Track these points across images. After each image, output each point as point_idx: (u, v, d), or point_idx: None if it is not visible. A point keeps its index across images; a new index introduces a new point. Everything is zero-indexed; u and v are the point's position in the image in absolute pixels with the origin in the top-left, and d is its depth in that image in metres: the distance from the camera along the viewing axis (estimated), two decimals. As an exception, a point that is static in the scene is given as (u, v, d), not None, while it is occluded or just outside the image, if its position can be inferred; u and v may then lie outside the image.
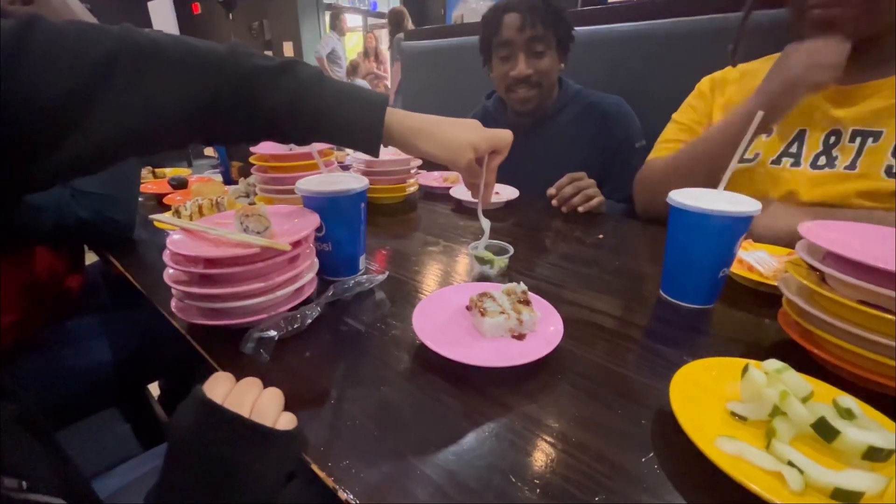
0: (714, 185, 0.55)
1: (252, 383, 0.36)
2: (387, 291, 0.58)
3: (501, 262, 0.62)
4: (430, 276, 0.64)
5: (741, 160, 0.77)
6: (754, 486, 0.28)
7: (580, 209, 0.89)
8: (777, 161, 0.76)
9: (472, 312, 0.48)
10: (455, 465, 0.33)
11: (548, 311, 0.49)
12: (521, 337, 0.45)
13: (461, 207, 0.96)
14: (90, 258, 0.88)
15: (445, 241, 0.77)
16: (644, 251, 0.77)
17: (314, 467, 0.32)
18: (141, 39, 0.38)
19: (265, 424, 0.32)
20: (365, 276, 0.58)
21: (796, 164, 0.74)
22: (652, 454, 0.34)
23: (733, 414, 0.35)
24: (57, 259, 0.77)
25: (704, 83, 0.88)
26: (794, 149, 0.75)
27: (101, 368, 0.75)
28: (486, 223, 0.62)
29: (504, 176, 1.09)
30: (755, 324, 0.53)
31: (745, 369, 0.36)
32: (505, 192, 0.97)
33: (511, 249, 0.63)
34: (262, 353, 0.44)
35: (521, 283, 0.51)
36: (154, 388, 0.99)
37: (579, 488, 0.31)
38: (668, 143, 0.89)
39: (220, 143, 0.49)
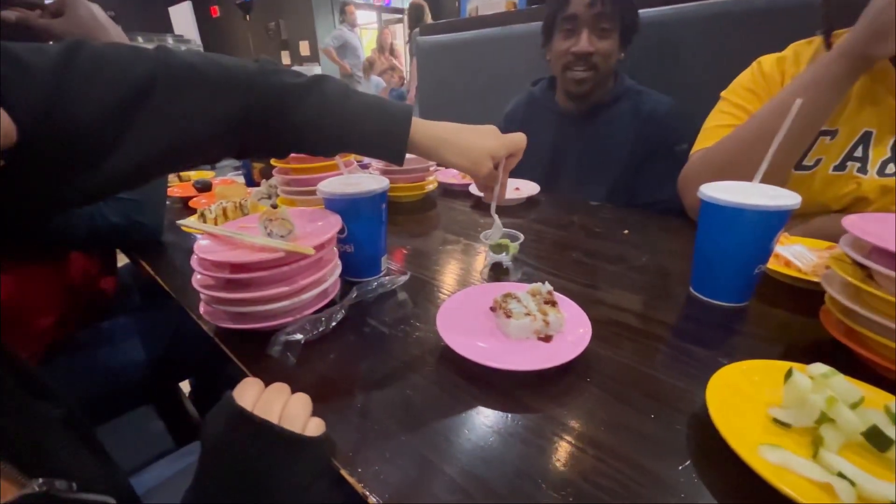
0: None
1: (280, 389, 0.36)
2: (409, 292, 0.58)
3: (514, 248, 0.64)
4: (452, 276, 0.63)
5: (798, 167, 0.70)
6: (803, 499, 0.26)
7: None
8: (841, 166, 0.68)
9: (497, 314, 0.47)
10: (482, 470, 0.32)
11: (575, 312, 0.48)
12: (547, 339, 0.44)
13: (481, 204, 0.95)
14: (122, 260, 0.91)
15: (466, 238, 0.76)
16: (672, 247, 0.75)
17: (344, 473, 0.32)
18: (175, 61, 0.39)
19: (294, 431, 0.32)
20: (387, 278, 0.58)
21: (863, 170, 0.67)
22: (689, 462, 0.32)
23: (776, 421, 0.33)
24: (90, 262, 0.79)
25: (767, 62, 0.75)
26: (859, 152, 0.67)
27: (135, 367, 0.78)
28: (497, 220, 0.63)
29: (544, 166, 1.09)
30: (793, 323, 0.50)
31: (789, 374, 0.34)
32: (525, 188, 0.96)
33: (521, 236, 0.68)
34: (289, 356, 0.44)
35: (547, 283, 0.50)
36: (185, 386, 1.02)
37: (612, 496, 0.30)
38: (714, 132, 0.80)
39: (251, 157, 0.51)
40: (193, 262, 0.46)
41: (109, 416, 0.74)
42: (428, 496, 0.31)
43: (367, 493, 0.31)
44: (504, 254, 0.64)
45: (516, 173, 1.02)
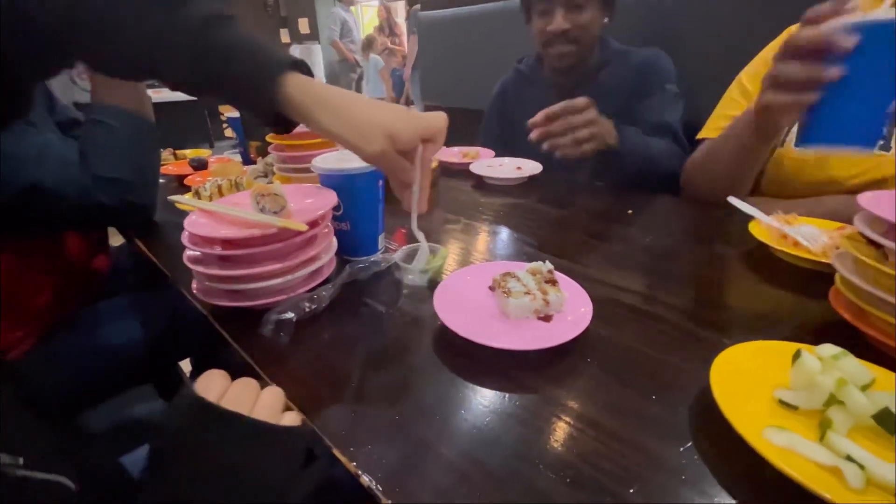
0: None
1: (248, 384, 0.34)
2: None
3: (439, 262, 0.52)
4: (451, 255, 0.62)
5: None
6: (809, 482, 0.25)
7: (559, 154, 0.77)
8: None
9: (496, 293, 0.46)
10: (480, 452, 0.31)
11: (576, 292, 0.46)
12: (547, 318, 0.43)
13: (482, 184, 0.92)
14: (118, 240, 0.89)
15: (466, 218, 0.75)
16: (676, 227, 0.73)
17: (336, 452, 0.32)
18: None
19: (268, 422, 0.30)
20: (381, 256, 0.56)
21: (886, 147, 0.64)
22: (690, 444, 0.31)
23: (782, 402, 0.32)
24: (83, 241, 0.78)
25: None
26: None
27: (134, 346, 0.77)
28: (421, 237, 0.50)
29: (538, 143, 1.06)
30: (801, 304, 0.49)
31: (797, 355, 0.33)
32: (527, 167, 0.93)
33: (444, 249, 0.54)
34: (282, 335, 0.43)
35: (547, 262, 0.49)
36: (186, 366, 1.02)
37: (613, 479, 0.29)
38: (720, 121, 0.78)
39: (160, 80, 0.43)
40: (184, 238, 0.45)
41: (111, 393, 0.74)
42: (423, 477, 0.30)
43: (360, 472, 0.30)
44: (426, 274, 0.51)
45: (514, 153, 1.01)
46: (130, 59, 0.39)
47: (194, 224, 0.45)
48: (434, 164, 0.95)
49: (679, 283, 0.53)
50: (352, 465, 0.31)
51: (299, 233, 0.45)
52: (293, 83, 0.40)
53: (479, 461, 0.31)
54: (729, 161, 0.71)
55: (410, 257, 0.53)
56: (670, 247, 0.64)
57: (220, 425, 0.29)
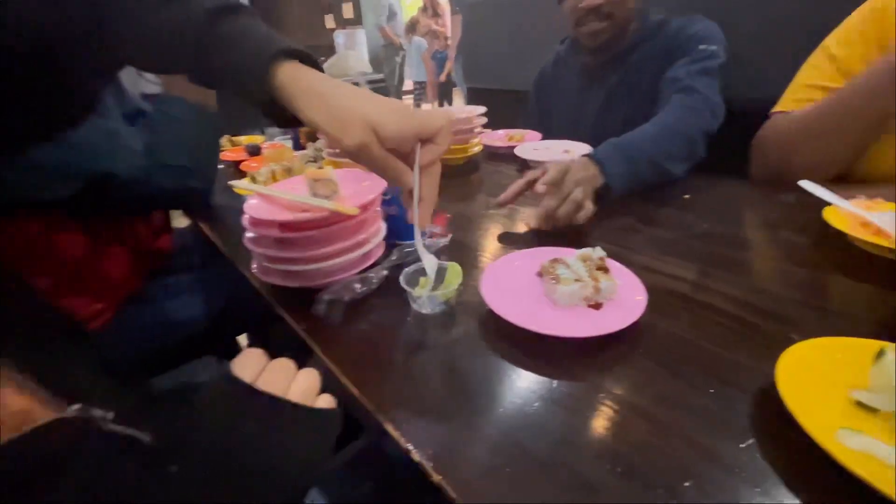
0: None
1: (285, 365, 0.34)
2: (450, 256, 0.57)
3: (454, 286, 0.45)
4: (495, 241, 0.61)
5: None
6: (889, 490, 0.23)
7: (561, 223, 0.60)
8: None
9: (544, 279, 0.46)
10: (525, 436, 0.32)
11: (628, 279, 0.45)
12: (597, 306, 0.42)
13: (527, 167, 0.90)
14: (182, 223, 0.96)
15: (511, 203, 0.74)
16: (739, 213, 0.68)
17: (388, 427, 0.33)
18: None
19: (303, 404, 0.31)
20: (429, 240, 0.57)
21: None
22: (752, 441, 0.30)
23: (859, 404, 0.30)
24: (149, 223, 0.85)
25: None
26: None
27: (196, 321, 0.83)
28: (430, 262, 0.43)
29: (576, 128, 1.02)
30: (882, 298, 0.45)
31: (880, 353, 0.30)
32: (575, 150, 0.90)
33: (454, 267, 0.46)
34: (333, 315, 0.45)
35: (598, 248, 0.47)
36: (243, 340, 1.09)
37: (664, 472, 0.29)
38: (803, 92, 0.71)
39: (176, 73, 0.43)
40: (244, 220, 0.48)
41: (177, 363, 0.81)
42: (469, 457, 0.31)
43: (411, 447, 0.31)
44: (439, 300, 0.44)
45: (550, 138, 0.97)
46: (146, 52, 0.40)
47: (254, 208, 0.48)
48: (477, 148, 0.94)
49: (741, 273, 0.50)
50: (403, 441, 0.32)
51: (351, 217, 0.46)
52: (284, 71, 0.38)
53: (523, 445, 0.31)
54: (853, 130, 0.62)
55: (416, 280, 0.46)
56: (732, 234, 0.60)
57: (248, 403, 0.29)
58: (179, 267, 0.91)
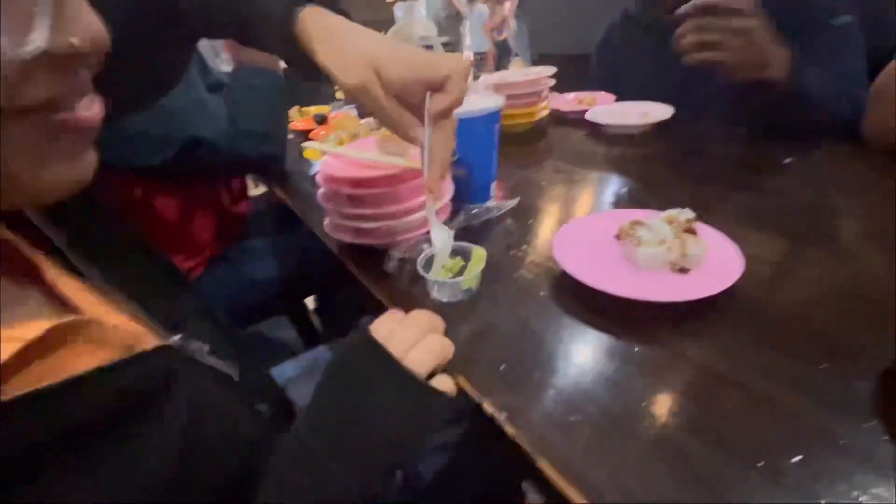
0: None
1: (418, 323, 0.33)
2: (517, 219, 0.56)
3: (475, 272, 0.41)
4: (564, 206, 0.58)
5: None
6: None
7: (693, 59, 0.61)
8: None
9: (623, 242, 0.43)
10: (604, 396, 0.30)
11: (721, 244, 0.41)
12: (683, 271, 0.39)
13: (598, 132, 0.85)
14: (258, 192, 1.03)
15: (582, 167, 0.70)
16: (850, 180, 0.60)
17: (460, 379, 0.33)
18: None
19: (414, 373, 0.30)
20: (494, 203, 0.56)
21: None
22: (875, 422, 0.26)
23: None
24: (229, 189, 0.91)
25: None
26: None
27: (271, 282, 0.89)
28: (441, 234, 0.40)
29: (653, 89, 0.93)
30: None
31: None
32: (655, 113, 0.83)
33: (482, 251, 0.42)
34: (403, 273, 0.46)
35: (687, 209, 0.43)
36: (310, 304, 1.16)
37: (766, 445, 0.26)
38: None
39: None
40: (319, 177, 0.49)
41: (254, 320, 0.88)
42: (543, 411, 0.30)
43: (483, 399, 0.31)
44: (461, 287, 0.41)
45: (633, 96, 0.88)
46: (197, 18, 0.40)
47: (328, 165, 0.49)
48: (544, 112, 0.90)
49: (855, 245, 0.44)
50: (475, 394, 0.32)
51: (418, 175, 0.46)
52: (306, 16, 0.36)
53: (600, 403, 0.30)
54: None
55: (434, 266, 0.42)
56: (841, 203, 0.53)
57: (378, 362, 0.30)
58: (255, 232, 0.98)
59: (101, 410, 0.21)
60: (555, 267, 0.44)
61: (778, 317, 0.35)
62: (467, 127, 0.53)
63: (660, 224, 0.42)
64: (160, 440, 0.23)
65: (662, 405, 0.29)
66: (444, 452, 0.46)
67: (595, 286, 0.37)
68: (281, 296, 0.90)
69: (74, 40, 0.18)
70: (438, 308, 0.41)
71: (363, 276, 0.48)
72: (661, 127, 0.81)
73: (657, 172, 0.66)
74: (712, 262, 0.39)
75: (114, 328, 0.24)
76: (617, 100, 0.96)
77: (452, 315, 0.40)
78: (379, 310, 0.37)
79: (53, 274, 0.25)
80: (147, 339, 0.27)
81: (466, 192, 0.58)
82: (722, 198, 0.56)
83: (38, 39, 0.16)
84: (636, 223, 0.43)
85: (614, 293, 0.36)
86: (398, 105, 0.35)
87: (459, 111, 0.52)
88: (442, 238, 0.40)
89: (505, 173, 0.69)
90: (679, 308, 0.36)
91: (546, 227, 0.53)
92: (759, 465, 0.25)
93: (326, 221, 0.53)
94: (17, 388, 0.18)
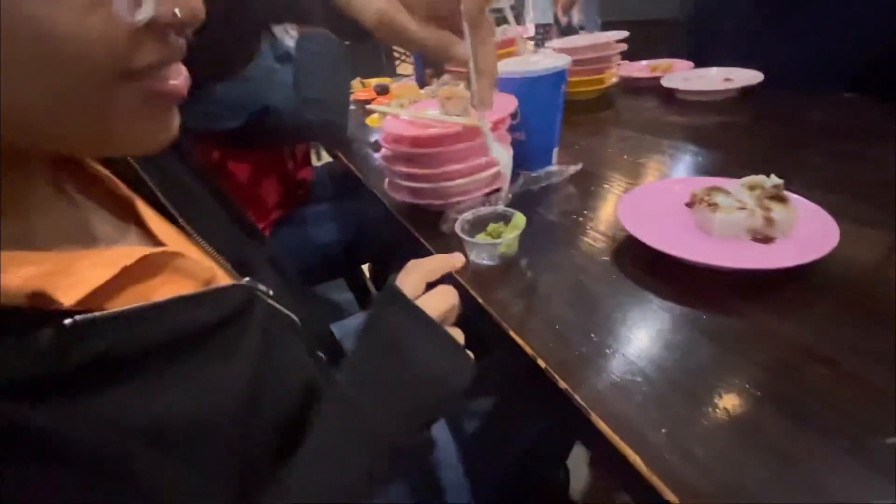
0: None
1: (443, 289, 0.34)
2: (579, 186, 0.54)
3: (512, 237, 0.40)
4: (631, 173, 0.55)
5: None
6: None
7: None
8: None
9: (696, 209, 0.40)
10: (666, 360, 0.29)
11: (813, 213, 0.37)
12: (767, 240, 0.36)
13: (675, 101, 0.79)
14: (320, 161, 1.07)
15: (653, 136, 0.65)
16: None
17: (512, 333, 0.33)
18: None
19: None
20: (555, 168, 0.54)
21: None
22: None
23: None
24: (294, 156, 0.96)
25: None
26: None
27: (332, 246, 0.93)
28: (501, 151, 0.39)
29: (745, 52, 0.83)
30: None
31: None
32: (740, 77, 0.75)
33: (521, 218, 0.41)
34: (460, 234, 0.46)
35: (773, 175, 0.39)
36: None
37: (855, 423, 0.24)
38: None
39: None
40: (380, 137, 0.50)
41: (316, 280, 0.93)
42: (599, 369, 0.29)
43: (537, 355, 0.31)
44: (497, 251, 0.41)
45: (717, 61, 0.80)
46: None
47: (389, 125, 0.50)
48: (613, 79, 0.84)
49: None
50: (529, 349, 0.31)
51: (479, 135, 0.45)
52: None
53: (663, 367, 0.29)
54: None
55: (477, 227, 0.42)
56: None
57: (416, 322, 0.31)
58: (318, 198, 1.02)
59: (179, 334, 0.23)
60: (617, 233, 0.42)
61: (872, 293, 0.32)
62: (530, 87, 0.52)
63: (740, 189, 0.39)
64: (232, 368, 0.25)
65: (734, 375, 0.27)
66: (482, 420, 0.46)
67: (663, 250, 0.35)
68: (340, 260, 0.95)
69: (177, 10, 0.19)
70: (485, 271, 0.41)
71: (421, 234, 0.48)
72: (747, 93, 0.74)
73: (739, 141, 0.61)
74: (801, 231, 0.36)
75: (195, 263, 0.26)
76: (696, 66, 0.88)
77: (507, 277, 0.40)
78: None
79: (145, 212, 0.28)
80: (223, 277, 0.29)
81: (527, 157, 0.56)
82: (815, 167, 0.50)
83: (148, 8, 0.18)
84: (713, 188, 0.40)
85: (686, 258, 0.34)
86: (430, 27, 0.31)
87: (522, 70, 0.51)
88: (504, 156, 0.39)
89: (568, 140, 0.67)
90: (757, 278, 0.33)
91: (610, 195, 0.51)
92: (843, 441, 0.23)
93: (386, 181, 0.54)
94: (115, 307, 0.20)
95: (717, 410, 0.26)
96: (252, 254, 0.39)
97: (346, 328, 0.67)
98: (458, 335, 0.33)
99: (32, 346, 0.18)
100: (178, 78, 0.22)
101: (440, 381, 0.30)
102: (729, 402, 0.26)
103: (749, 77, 0.74)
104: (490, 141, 0.38)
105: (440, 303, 0.33)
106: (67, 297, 0.19)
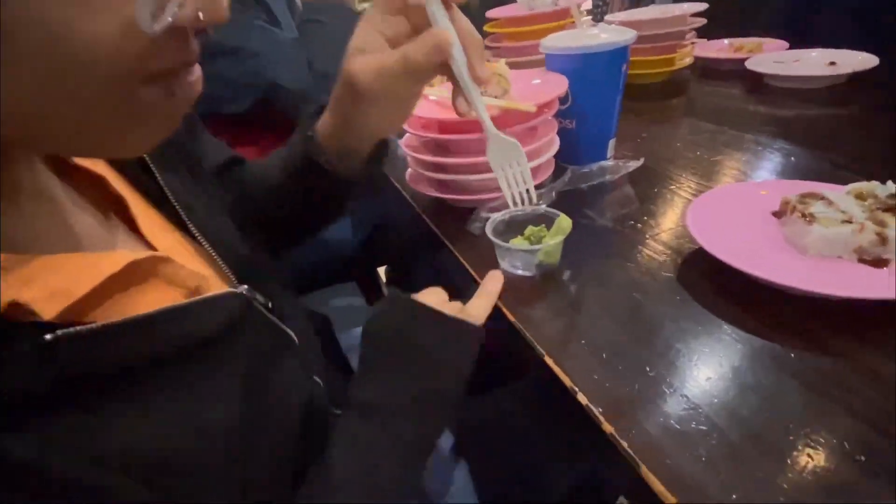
0: None
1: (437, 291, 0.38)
2: (639, 186, 0.52)
3: (554, 242, 0.38)
4: (704, 172, 0.53)
5: None
6: None
7: None
8: None
9: (787, 219, 0.37)
10: (740, 405, 0.27)
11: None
12: (877, 263, 0.33)
13: (762, 86, 0.75)
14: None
15: (733, 128, 0.62)
16: None
17: (548, 359, 0.31)
18: None
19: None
20: (611, 162, 0.52)
21: None
22: None
23: None
24: None
25: None
26: None
27: (345, 244, 0.94)
28: (500, 145, 0.37)
29: (860, 27, 0.78)
30: None
31: None
32: (847, 61, 0.71)
33: (566, 222, 0.39)
34: (490, 235, 0.44)
35: (890, 182, 0.36)
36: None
37: None
38: None
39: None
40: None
41: (326, 282, 0.94)
42: (653, 411, 0.27)
43: (577, 389, 0.29)
44: (536, 260, 0.39)
45: (819, 41, 0.76)
46: None
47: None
48: (686, 60, 0.81)
49: None
50: (567, 381, 0.30)
51: (524, 117, 0.44)
52: None
53: (737, 414, 0.27)
54: None
55: (513, 229, 0.41)
56: None
57: (424, 318, 0.35)
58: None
59: (166, 350, 0.23)
60: (684, 246, 0.40)
61: None
62: (585, 65, 0.50)
63: (845, 198, 0.36)
64: (222, 389, 0.26)
65: (828, 429, 0.25)
66: (506, 465, 0.46)
67: (742, 268, 0.33)
68: (353, 260, 0.95)
69: (201, 13, 0.20)
70: (519, 282, 0.40)
71: (444, 234, 0.48)
72: (856, 81, 0.69)
73: (845, 139, 0.57)
74: (925, 254, 0.32)
75: (182, 269, 0.27)
76: (792, 46, 0.83)
77: (545, 291, 0.38)
78: (454, 284, 0.37)
79: (138, 210, 0.29)
80: (216, 283, 0.29)
81: (576, 147, 0.55)
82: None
83: (170, 13, 0.19)
84: (809, 195, 0.37)
85: (772, 280, 0.32)
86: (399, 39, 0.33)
87: (576, 45, 0.49)
88: (500, 150, 0.37)
89: (628, 130, 0.65)
90: (862, 309, 0.30)
91: (676, 198, 0.49)
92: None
93: (409, 172, 0.53)
94: (98, 318, 0.21)
95: (804, 473, 0.23)
96: (252, 259, 0.39)
97: (354, 338, 0.67)
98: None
99: (8, 362, 0.18)
100: (194, 77, 0.23)
101: (451, 365, 0.34)
102: (820, 463, 0.24)
103: (860, 61, 0.70)
104: (486, 120, 0.36)
105: (434, 301, 0.36)
106: (48, 309, 0.19)
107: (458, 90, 0.34)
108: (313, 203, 0.45)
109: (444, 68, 0.32)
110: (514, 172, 0.37)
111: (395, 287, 0.37)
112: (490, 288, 0.38)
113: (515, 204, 0.38)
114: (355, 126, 0.38)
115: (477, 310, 0.37)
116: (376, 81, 0.32)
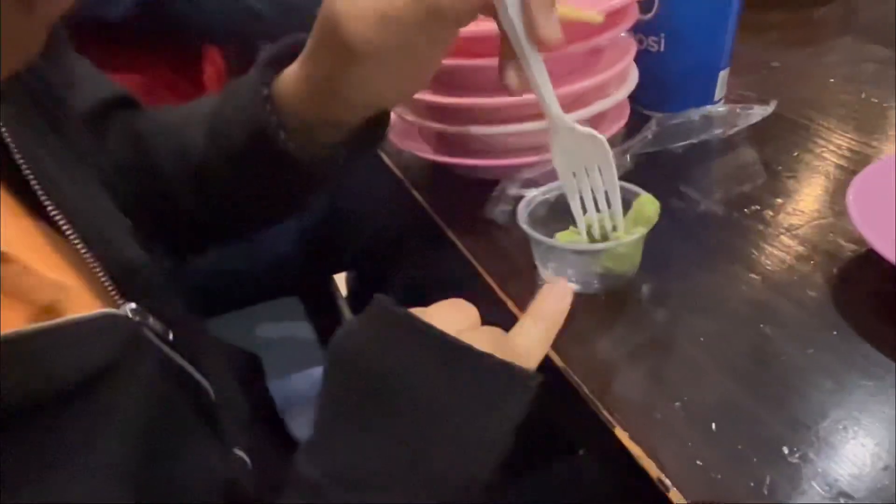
0: None
1: (462, 305, 0.36)
2: (767, 147, 0.54)
3: (630, 239, 0.40)
4: (871, 129, 0.55)
5: None
6: None
7: None
8: None
9: None
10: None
11: None
12: None
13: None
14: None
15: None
16: None
17: (619, 431, 0.32)
18: None
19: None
20: (722, 108, 0.54)
21: None
22: None
23: None
24: (223, 66, 1.01)
25: None
26: None
27: (284, 237, 0.95)
28: (561, 125, 0.38)
29: None
30: None
31: None
32: None
33: (650, 205, 0.40)
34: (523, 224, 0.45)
35: None
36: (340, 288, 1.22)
37: None
38: None
39: None
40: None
41: (248, 299, 0.94)
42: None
43: (670, 482, 0.30)
44: (595, 267, 0.41)
45: None
46: None
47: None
48: None
49: None
50: (653, 468, 0.31)
51: (576, 39, 0.45)
52: None
53: None
54: None
55: (562, 216, 0.42)
56: None
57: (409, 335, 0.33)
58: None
59: (10, 401, 0.23)
60: (841, 246, 0.42)
61: None
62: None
63: None
64: (84, 467, 0.26)
65: None
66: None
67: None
68: (295, 264, 0.96)
69: None
70: (573, 303, 0.40)
71: (446, 222, 0.49)
72: None
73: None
74: None
75: (33, 273, 0.27)
76: None
77: (612, 315, 0.39)
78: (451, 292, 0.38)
79: None
80: (83, 299, 0.30)
81: (666, 84, 0.57)
82: None
83: None
84: None
85: None
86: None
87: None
88: (572, 148, 0.39)
89: (750, 58, 0.67)
90: None
91: (829, 167, 0.50)
92: None
93: (394, 122, 0.54)
94: None
95: None
96: (152, 264, 0.41)
97: (293, 388, 0.68)
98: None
99: None
100: None
101: (481, 429, 0.32)
102: None
103: None
104: (545, 84, 0.36)
105: (452, 321, 0.34)
106: None
107: (506, 49, 0.34)
108: (256, 194, 0.46)
109: (488, 11, 0.33)
110: (594, 185, 0.38)
111: (362, 303, 0.37)
112: (548, 307, 0.37)
113: (594, 239, 0.39)
114: (344, 90, 0.38)
115: (528, 340, 0.35)
116: (378, 34, 0.33)
